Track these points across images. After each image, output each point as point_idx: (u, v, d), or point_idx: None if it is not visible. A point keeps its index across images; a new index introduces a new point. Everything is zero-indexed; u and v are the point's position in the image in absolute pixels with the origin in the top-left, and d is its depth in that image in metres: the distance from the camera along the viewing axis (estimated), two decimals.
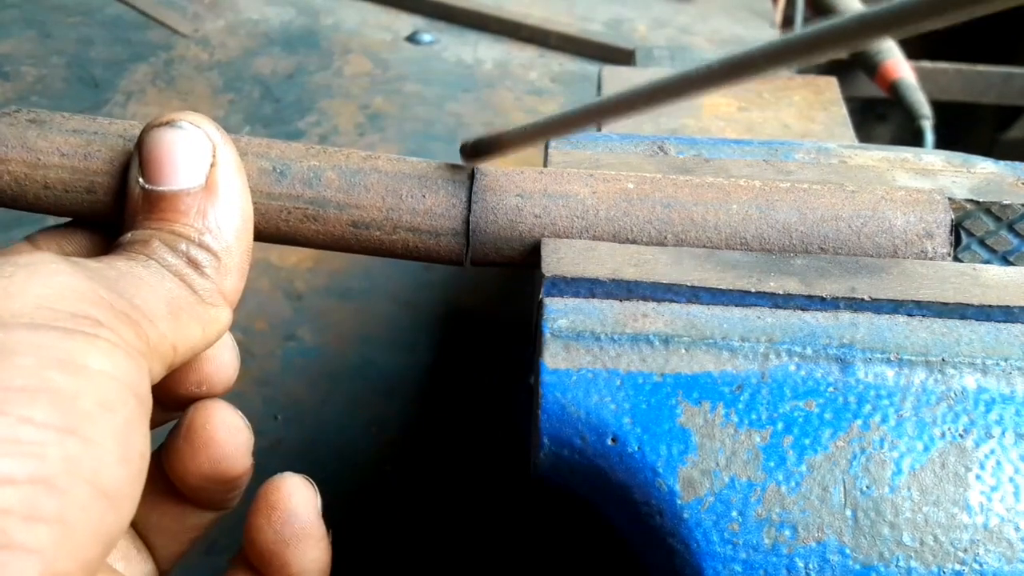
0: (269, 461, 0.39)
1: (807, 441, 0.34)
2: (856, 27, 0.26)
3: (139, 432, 0.30)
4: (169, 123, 0.36)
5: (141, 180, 0.35)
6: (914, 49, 1.08)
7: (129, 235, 0.35)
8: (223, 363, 0.38)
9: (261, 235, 0.40)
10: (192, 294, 0.34)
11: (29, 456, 0.26)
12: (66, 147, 0.38)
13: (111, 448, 0.28)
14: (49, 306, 0.29)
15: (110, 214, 0.38)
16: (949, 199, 0.42)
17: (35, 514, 0.26)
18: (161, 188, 0.35)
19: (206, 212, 0.35)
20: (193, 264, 0.34)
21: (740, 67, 0.29)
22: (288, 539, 0.36)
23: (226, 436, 0.36)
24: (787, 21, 1.15)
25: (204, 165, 0.35)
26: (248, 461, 0.37)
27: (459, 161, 0.41)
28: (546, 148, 0.46)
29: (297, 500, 0.36)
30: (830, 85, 0.80)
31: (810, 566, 0.34)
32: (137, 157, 0.36)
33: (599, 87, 0.80)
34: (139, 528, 0.39)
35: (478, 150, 0.40)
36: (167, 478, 0.38)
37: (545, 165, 0.45)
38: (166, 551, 0.39)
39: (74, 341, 0.28)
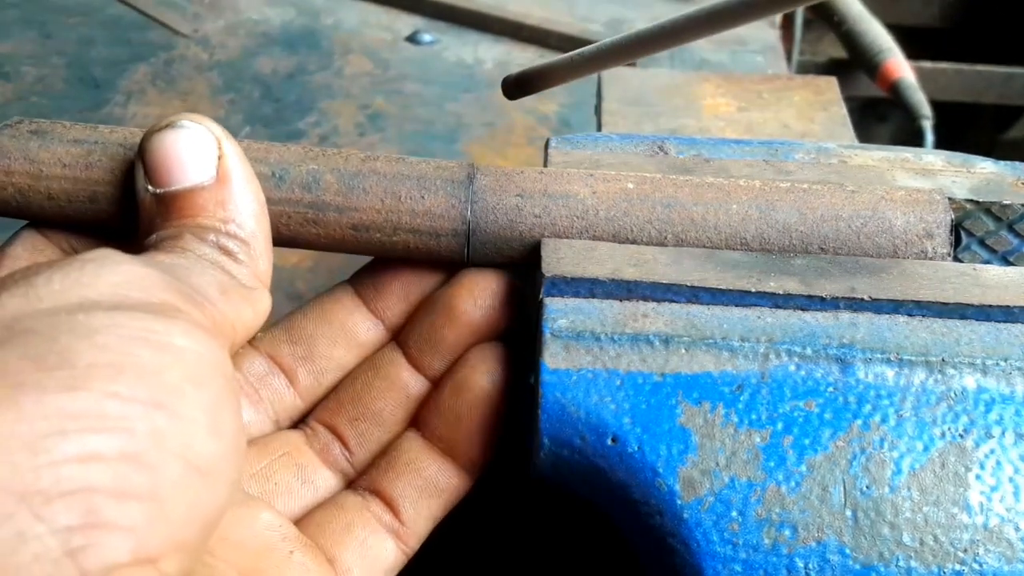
0: None
1: (807, 441, 0.34)
2: None
3: (229, 408, 0.29)
4: (169, 125, 0.36)
5: (149, 187, 0.35)
6: (914, 49, 1.08)
7: (154, 236, 0.35)
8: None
9: None
10: (233, 279, 0.34)
11: (117, 431, 0.26)
12: (67, 158, 0.38)
13: (202, 422, 0.28)
14: (124, 292, 0.29)
15: (114, 222, 0.39)
16: (949, 199, 0.42)
17: (126, 491, 0.25)
18: (174, 188, 0.35)
19: (225, 202, 0.35)
20: (226, 252, 0.35)
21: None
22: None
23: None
24: (787, 21, 1.15)
25: (212, 158, 0.35)
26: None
27: (460, 160, 0.41)
28: (546, 148, 0.46)
29: None
30: (830, 85, 0.80)
31: (810, 566, 0.34)
32: (141, 165, 0.36)
33: (599, 87, 0.80)
34: (346, 431, 0.40)
35: (521, 84, 0.39)
36: (405, 345, 0.40)
37: (545, 165, 0.45)
38: (366, 453, 0.40)
39: (156, 320, 0.28)
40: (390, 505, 0.39)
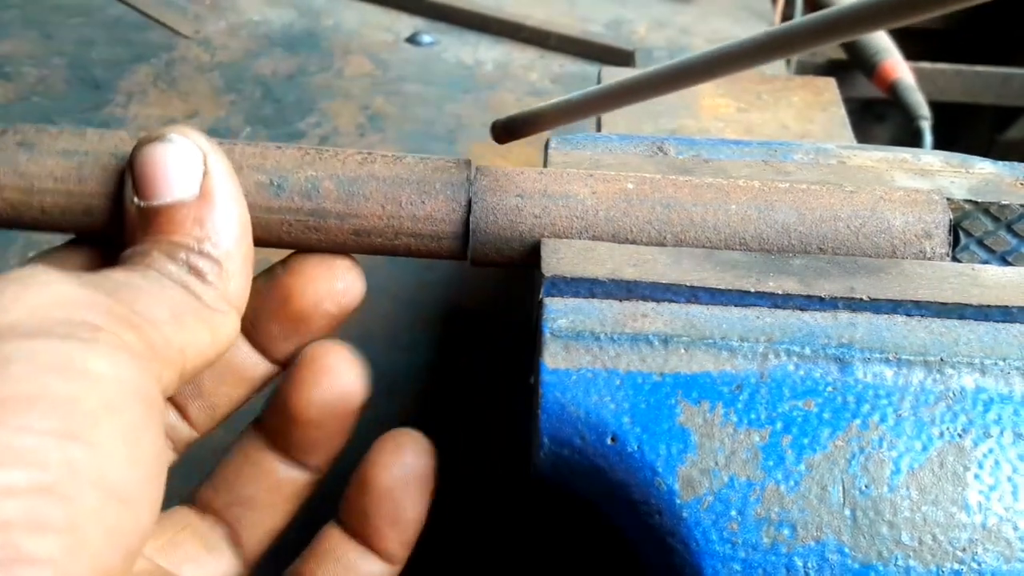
0: None
1: (806, 440, 0.35)
2: (848, 19, 0.27)
3: (150, 433, 0.29)
4: (158, 139, 0.36)
5: (136, 199, 0.35)
6: (913, 50, 1.08)
7: (128, 251, 0.35)
8: (351, 281, 0.39)
9: (265, 245, 0.40)
10: (196, 300, 0.34)
11: (29, 464, 0.25)
12: (59, 171, 0.38)
13: (118, 450, 0.27)
14: (44, 315, 0.28)
15: (110, 233, 0.38)
16: (948, 199, 0.42)
17: (41, 523, 0.25)
18: (155, 203, 0.35)
19: (203, 221, 0.35)
20: (195, 272, 0.34)
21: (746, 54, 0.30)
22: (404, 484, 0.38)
23: (346, 367, 0.38)
24: (786, 21, 1.15)
25: (196, 175, 0.35)
26: (364, 393, 0.39)
27: (460, 158, 0.41)
28: (546, 148, 0.46)
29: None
30: (829, 86, 0.80)
31: (809, 565, 0.34)
32: (130, 176, 0.36)
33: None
34: (226, 515, 0.39)
35: (509, 130, 0.40)
36: (267, 432, 0.39)
37: (545, 165, 0.45)
38: (254, 536, 0.39)
39: (72, 346, 0.28)
40: None
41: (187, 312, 0.33)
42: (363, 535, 0.39)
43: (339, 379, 0.39)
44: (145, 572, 0.37)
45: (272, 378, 0.41)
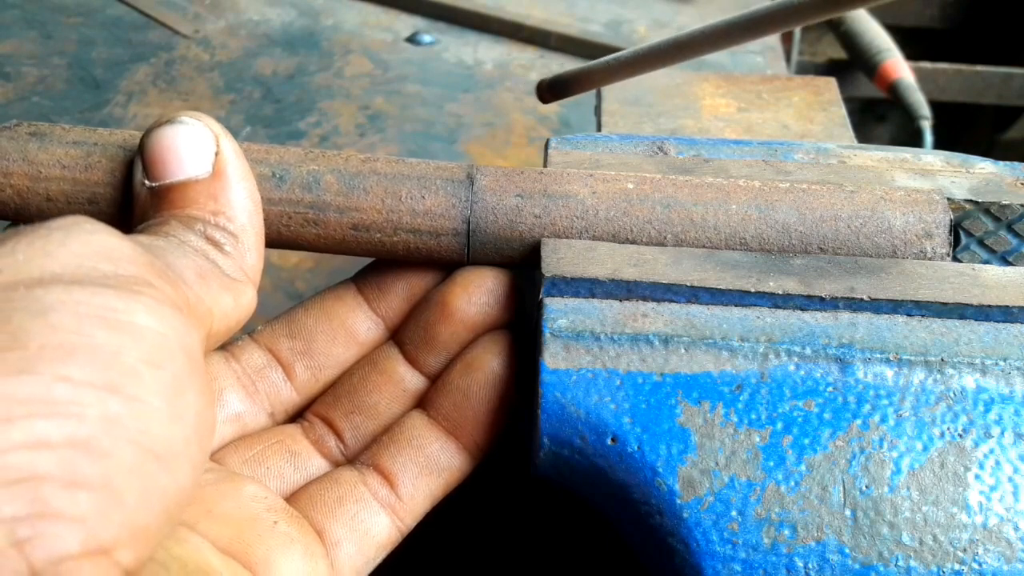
0: None
1: (806, 441, 0.34)
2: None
3: (192, 389, 0.28)
4: (169, 121, 0.36)
5: (147, 181, 0.36)
6: (913, 50, 1.08)
7: (142, 225, 0.35)
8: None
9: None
10: (216, 267, 0.34)
11: (65, 416, 0.25)
12: (67, 159, 0.38)
13: (159, 406, 0.27)
14: (91, 264, 0.28)
15: (113, 224, 0.38)
16: (948, 199, 0.42)
17: (75, 479, 0.24)
18: (168, 181, 0.35)
19: (218, 196, 0.35)
20: (212, 243, 0.35)
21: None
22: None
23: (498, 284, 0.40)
24: None
25: (209, 153, 0.36)
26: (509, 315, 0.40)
27: (460, 161, 0.41)
28: (546, 148, 0.46)
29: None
30: (829, 86, 0.80)
31: (809, 566, 0.34)
32: (140, 161, 0.36)
33: (599, 89, 0.80)
34: (341, 424, 0.40)
35: (555, 89, 0.40)
36: (402, 341, 0.41)
37: (545, 165, 0.45)
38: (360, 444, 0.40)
39: (117, 297, 0.27)
40: (388, 480, 0.38)
41: (211, 276, 0.33)
42: (451, 419, 0.39)
43: (491, 293, 0.40)
44: (220, 480, 0.36)
45: (381, 343, 0.42)
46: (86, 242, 0.29)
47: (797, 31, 1.17)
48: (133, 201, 0.37)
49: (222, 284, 0.33)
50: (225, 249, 0.35)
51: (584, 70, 0.38)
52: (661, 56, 0.36)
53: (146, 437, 0.26)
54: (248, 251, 0.36)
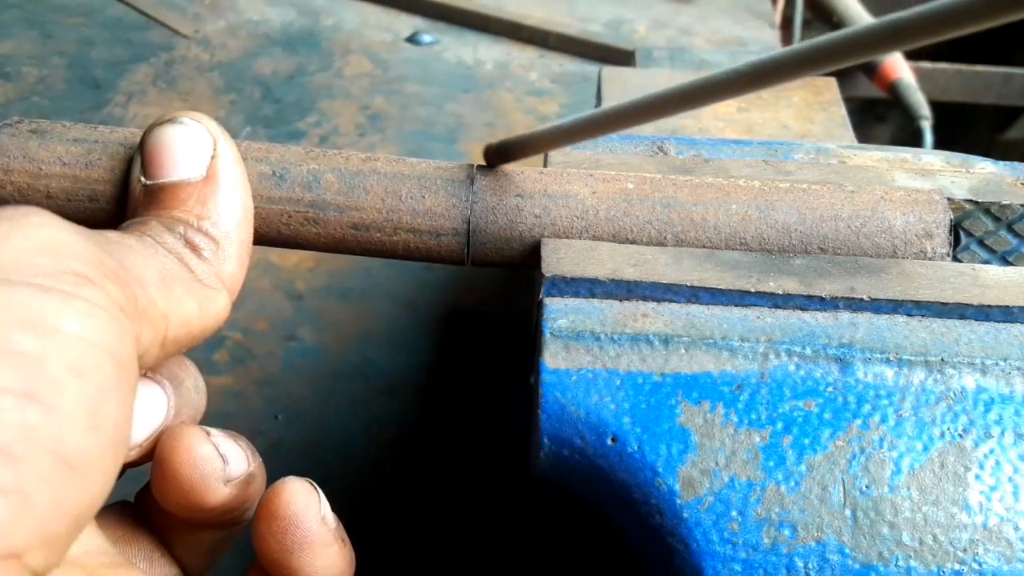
0: (270, 461, 0.38)
1: (806, 441, 0.34)
2: (868, 39, 0.26)
3: (114, 400, 0.28)
4: (170, 120, 0.36)
5: (143, 178, 0.36)
6: (913, 50, 1.08)
7: (126, 223, 0.35)
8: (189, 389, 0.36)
9: (262, 239, 0.40)
10: (188, 272, 0.33)
11: None
12: (67, 156, 0.38)
13: (77, 416, 0.26)
14: (29, 260, 0.27)
15: (113, 222, 0.38)
16: (948, 199, 0.42)
17: None
18: (162, 180, 0.35)
19: (206, 200, 0.35)
20: (191, 246, 0.34)
21: (762, 74, 0.29)
22: (291, 548, 0.34)
23: (191, 467, 0.34)
24: (786, 22, 1.15)
25: (205, 157, 0.36)
26: (222, 491, 0.34)
27: (459, 161, 0.41)
28: None
29: (297, 507, 0.34)
30: (829, 86, 0.80)
31: (809, 566, 0.34)
32: (139, 158, 0.36)
33: (599, 88, 0.80)
34: (162, 539, 0.38)
35: (502, 153, 0.40)
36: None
37: (545, 165, 0.45)
38: (191, 563, 0.38)
39: (49, 300, 0.27)
40: None
41: (176, 280, 0.33)
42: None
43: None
44: (98, 551, 0.35)
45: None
46: (31, 236, 0.28)
47: (798, 31, 1.17)
48: (128, 197, 0.37)
49: (188, 289, 0.33)
50: (203, 254, 0.34)
51: (531, 136, 0.39)
52: (611, 121, 0.35)
53: (61, 446, 0.26)
54: (228, 258, 0.35)
